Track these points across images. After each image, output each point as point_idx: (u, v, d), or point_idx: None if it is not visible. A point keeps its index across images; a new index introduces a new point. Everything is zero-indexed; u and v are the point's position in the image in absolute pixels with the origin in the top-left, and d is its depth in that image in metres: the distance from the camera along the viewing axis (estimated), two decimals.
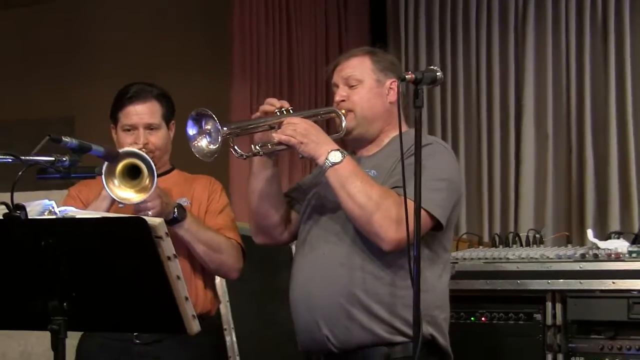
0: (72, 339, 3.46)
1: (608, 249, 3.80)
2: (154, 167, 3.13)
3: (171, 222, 3.20)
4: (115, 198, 3.14)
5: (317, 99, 6.43)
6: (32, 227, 2.43)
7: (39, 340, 5.01)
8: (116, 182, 3.13)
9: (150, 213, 3.13)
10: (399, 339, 3.00)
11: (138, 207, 3.17)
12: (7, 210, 2.38)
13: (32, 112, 7.64)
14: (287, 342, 3.63)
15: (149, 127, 3.40)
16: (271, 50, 6.19)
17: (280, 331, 4.04)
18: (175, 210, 3.26)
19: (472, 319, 3.97)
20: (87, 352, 3.36)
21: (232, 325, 4.15)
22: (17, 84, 7.79)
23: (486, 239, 5.50)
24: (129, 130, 3.40)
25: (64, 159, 2.59)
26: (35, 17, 7.86)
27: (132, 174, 3.15)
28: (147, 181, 3.13)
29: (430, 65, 6.41)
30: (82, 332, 3.36)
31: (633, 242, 3.95)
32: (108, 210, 3.20)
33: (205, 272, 3.42)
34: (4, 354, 4.85)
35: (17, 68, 7.85)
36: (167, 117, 3.46)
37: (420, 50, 6.82)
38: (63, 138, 2.61)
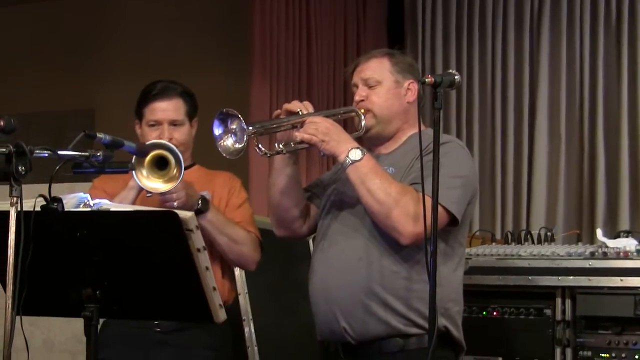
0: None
1: (617, 248, 3.88)
2: (181, 157, 3.22)
3: (195, 213, 3.29)
4: (145, 188, 3.24)
5: (335, 98, 6.48)
6: (68, 219, 2.53)
7: (62, 329, 5.10)
8: (145, 172, 3.24)
9: (175, 204, 3.22)
10: (414, 330, 3.09)
11: (164, 197, 3.26)
12: (45, 203, 2.46)
13: (52, 104, 7.71)
14: (304, 333, 3.72)
15: (173, 123, 3.48)
16: (290, 49, 6.24)
17: (298, 322, 4.12)
18: (199, 202, 3.34)
19: (484, 313, 4.06)
20: (107, 340, 3.39)
21: (250, 317, 4.23)
22: (38, 76, 7.86)
23: (499, 236, 5.57)
24: (153, 125, 3.48)
25: (98, 154, 2.68)
26: (58, 9, 7.91)
27: (160, 165, 3.25)
28: (175, 171, 3.23)
29: (447, 67, 6.59)
30: (103, 320, 3.46)
31: None
32: (135, 200, 3.30)
33: (223, 263, 3.50)
34: (28, 342, 4.93)
35: (39, 60, 7.93)
36: (190, 114, 3.55)
37: (437, 51, 6.86)
38: (97, 134, 2.72)
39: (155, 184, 3.24)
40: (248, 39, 6.15)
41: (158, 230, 2.52)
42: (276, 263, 4.39)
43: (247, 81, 6.07)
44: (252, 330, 4.23)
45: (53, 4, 7.90)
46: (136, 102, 3.56)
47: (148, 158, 3.19)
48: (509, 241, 4.37)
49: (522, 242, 4.32)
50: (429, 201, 2.85)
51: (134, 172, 3.19)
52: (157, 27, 7.45)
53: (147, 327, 3.34)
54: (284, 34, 6.19)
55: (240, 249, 3.46)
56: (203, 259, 2.51)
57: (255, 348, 4.21)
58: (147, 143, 3.27)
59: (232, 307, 4.19)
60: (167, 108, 3.49)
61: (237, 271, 4.24)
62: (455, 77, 2.96)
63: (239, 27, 6.65)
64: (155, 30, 7.45)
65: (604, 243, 3.95)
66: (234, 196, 3.57)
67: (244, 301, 4.26)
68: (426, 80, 2.92)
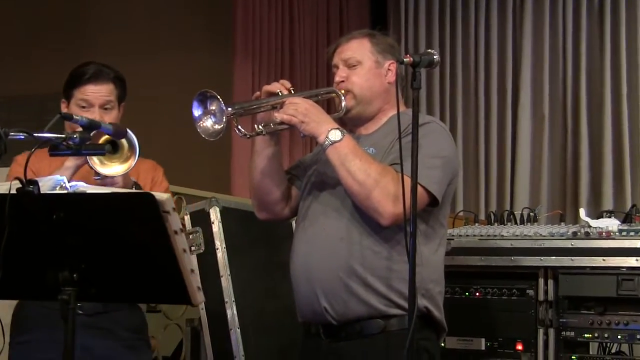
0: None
1: (599, 227, 3.85)
2: (134, 137, 3.18)
3: None
4: (104, 173, 3.20)
5: (318, 79, 6.48)
6: (44, 202, 2.49)
7: None
8: (96, 159, 3.19)
9: (115, 187, 3.18)
10: (395, 311, 3.09)
11: (104, 181, 3.22)
12: (20, 185, 2.43)
13: (33, 88, 7.68)
14: (287, 315, 3.70)
15: (104, 107, 3.48)
16: (273, 29, 6.22)
17: (281, 304, 4.10)
18: (133, 187, 3.33)
19: (467, 294, 4.04)
20: (26, 320, 3.39)
21: (232, 298, 4.20)
22: (18, 60, 7.82)
23: (482, 216, 5.57)
24: (83, 107, 3.47)
25: (75, 136, 2.66)
26: None
27: (111, 149, 3.18)
28: (129, 153, 3.19)
29: (430, 47, 6.60)
30: (17, 301, 3.44)
31: (624, 221, 4.02)
32: (70, 180, 3.27)
33: None
34: (8, 326, 4.90)
35: (19, 44, 7.88)
36: (120, 99, 3.55)
37: (420, 32, 6.87)
38: (74, 116, 2.70)
39: (113, 168, 3.20)
40: (230, 18, 6.13)
41: (135, 212, 2.48)
42: (260, 244, 4.38)
43: (230, 61, 6.05)
44: (235, 312, 4.20)
45: None
46: (65, 82, 3.54)
47: (100, 142, 3.13)
48: (492, 222, 4.36)
49: (505, 222, 4.31)
50: (408, 182, 2.84)
51: (89, 161, 3.18)
52: (139, 7, 7.42)
53: None
54: (266, 14, 6.17)
55: None
56: (180, 241, 2.48)
57: (238, 330, 4.19)
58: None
59: (215, 289, 4.19)
60: (99, 91, 3.48)
61: (219, 253, 4.22)
62: (434, 57, 2.94)
63: (221, 6, 6.62)
64: (137, 10, 7.41)
65: (586, 223, 3.93)
66: (157, 185, 3.57)
67: (226, 283, 4.23)
68: (405, 60, 2.90)
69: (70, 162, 3.27)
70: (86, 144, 2.71)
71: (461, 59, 6.74)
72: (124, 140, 3.19)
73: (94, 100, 3.47)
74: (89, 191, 2.58)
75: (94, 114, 3.42)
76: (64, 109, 3.52)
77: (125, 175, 3.27)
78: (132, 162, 3.19)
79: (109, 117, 3.45)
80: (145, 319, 3.62)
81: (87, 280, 2.56)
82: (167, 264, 2.49)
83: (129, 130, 3.17)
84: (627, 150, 6.14)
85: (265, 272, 4.38)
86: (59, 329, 3.25)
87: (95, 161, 3.20)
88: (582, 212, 4.06)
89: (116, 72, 3.56)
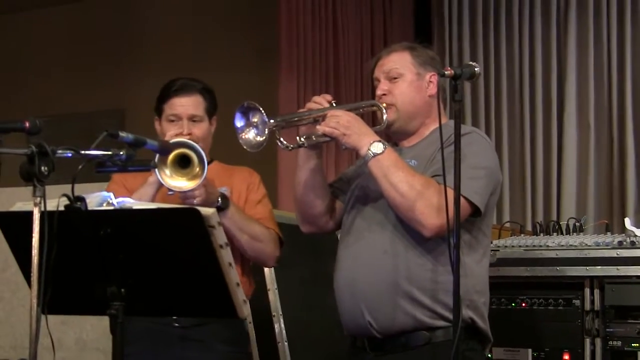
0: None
1: None
2: (203, 155, 3.23)
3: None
4: (168, 187, 3.25)
5: (363, 95, 6.48)
6: (91, 218, 2.54)
7: (94, 328, 5.13)
8: (168, 171, 3.24)
9: (195, 201, 3.22)
10: (440, 323, 3.08)
11: (184, 195, 3.26)
12: (68, 202, 2.47)
13: (83, 106, 7.78)
14: (333, 328, 3.71)
15: (193, 119, 3.50)
16: (317, 46, 6.24)
17: (327, 317, 4.10)
18: (219, 199, 3.34)
19: (513, 304, 4.03)
20: (130, 335, 3.40)
21: (280, 312, 4.23)
22: (68, 78, 7.93)
23: (529, 227, 5.55)
24: (173, 121, 3.50)
25: (121, 153, 2.68)
26: (85, 12, 8.00)
27: (182, 163, 3.26)
28: (198, 169, 3.24)
29: (474, 59, 6.59)
30: None
31: None
32: (154, 196, 3.31)
33: (243, 260, 3.50)
34: (60, 341, 4.95)
35: (68, 62, 7.99)
36: (210, 111, 3.56)
37: (464, 43, 6.87)
38: (120, 133, 2.74)
39: (179, 182, 3.25)
40: (275, 35, 6.17)
41: (181, 227, 2.52)
42: (305, 258, 4.39)
43: (275, 78, 6.08)
44: (282, 326, 4.22)
45: (80, 5, 7.97)
46: (156, 99, 3.58)
47: (170, 157, 3.20)
48: (538, 232, 4.36)
49: (551, 232, 4.30)
50: (451, 193, 2.84)
51: (156, 170, 3.21)
52: (185, 27, 7.50)
53: (167, 322, 3.35)
54: (310, 30, 6.19)
55: (260, 245, 3.46)
56: (226, 255, 2.52)
57: (286, 344, 4.21)
58: (170, 141, 3.28)
59: (262, 303, 4.21)
60: (186, 103, 3.50)
61: (267, 269, 4.24)
62: (476, 69, 2.95)
63: (265, 23, 6.67)
64: (183, 30, 7.50)
65: (632, 232, 3.91)
66: (253, 192, 3.57)
67: (273, 297, 4.25)
68: (446, 72, 2.91)
69: (153, 177, 3.31)
70: (132, 160, 2.75)
71: (506, 70, 6.73)
72: (193, 154, 3.24)
73: (182, 112, 3.49)
74: (135, 207, 2.63)
75: (182, 127, 3.47)
76: (157, 126, 3.58)
77: (208, 188, 3.30)
78: (200, 177, 3.22)
79: (198, 129, 3.50)
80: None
81: (135, 295, 2.59)
82: (213, 277, 2.53)
83: (196, 145, 3.25)
84: None
85: (311, 285, 4.39)
86: (159, 343, 3.33)
87: (165, 173, 3.25)
88: (628, 222, 4.04)
89: (204, 84, 3.59)
